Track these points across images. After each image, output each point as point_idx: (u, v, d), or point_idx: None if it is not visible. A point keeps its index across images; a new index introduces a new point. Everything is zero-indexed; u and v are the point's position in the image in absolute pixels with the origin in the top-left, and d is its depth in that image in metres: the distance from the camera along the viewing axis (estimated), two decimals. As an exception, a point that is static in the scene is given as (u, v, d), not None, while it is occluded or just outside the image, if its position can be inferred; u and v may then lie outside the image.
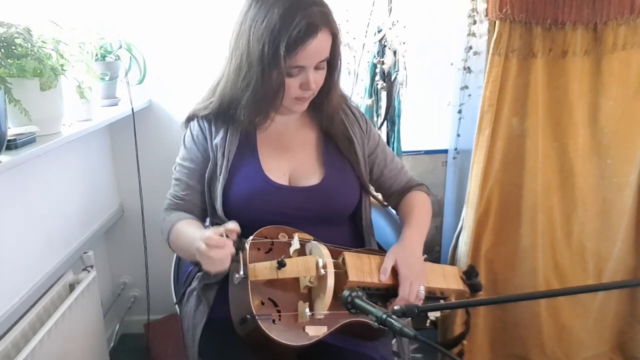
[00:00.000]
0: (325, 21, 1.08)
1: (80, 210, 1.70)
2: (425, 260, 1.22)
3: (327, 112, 1.24)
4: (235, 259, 1.09)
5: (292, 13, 1.04)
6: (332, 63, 1.16)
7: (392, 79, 1.77)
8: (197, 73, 1.82)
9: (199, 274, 1.28)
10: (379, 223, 1.51)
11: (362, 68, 1.79)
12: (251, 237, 1.09)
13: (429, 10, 1.80)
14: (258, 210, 1.18)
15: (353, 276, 1.08)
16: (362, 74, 1.79)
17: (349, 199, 1.25)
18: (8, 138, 1.18)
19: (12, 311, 1.29)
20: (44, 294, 1.42)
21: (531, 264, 1.67)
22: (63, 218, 1.59)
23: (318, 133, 1.28)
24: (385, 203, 1.42)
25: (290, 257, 1.08)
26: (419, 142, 1.96)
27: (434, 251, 1.98)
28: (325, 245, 1.11)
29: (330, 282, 1.04)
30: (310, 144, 1.27)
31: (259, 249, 1.08)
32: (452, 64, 1.76)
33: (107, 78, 1.73)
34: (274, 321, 1.01)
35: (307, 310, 1.03)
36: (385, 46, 1.73)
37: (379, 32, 1.74)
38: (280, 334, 0.99)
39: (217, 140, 1.21)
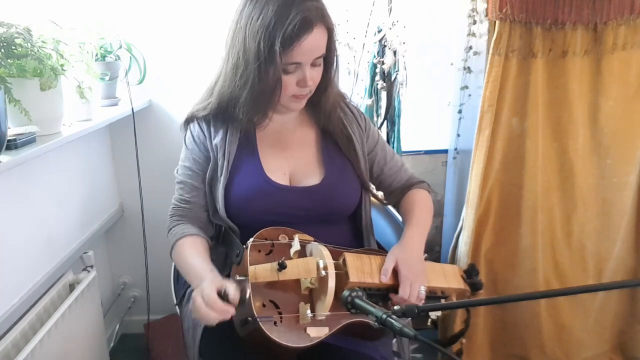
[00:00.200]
0: (320, 16, 1.08)
1: (80, 210, 1.70)
2: (426, 259, 1.22)
3: (325, 109, 1.24)
4: (235, 261, 1.09)
5: (287, 9, 1.04)
6: (328, 60, 1.16)
7: (392, 79, 1.77)
8: (197, 73, 1.82)
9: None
10: (379, 223, 1.51)
11: (362, 68, 1.79)
12: (251, 239, 1.09)
13: (429, 10, 1.80)
14: (258, 210, 1.18)
15: (354, 277, 1.08)
16: (362, 74, 1.79)
17: (349, 198, 1.25)
18: (8, 138, 1.18)
19: (12, 311, 1.29)
20: (44, 294, 1.42)
21: (531, 264, 1.67)
22: (63, 218, 1.59)
23: (317, 131, 1.28)
24: (386, 201, 1.42)
25: (290, 258, 1.08)
26: (419, 142, 1.96)
27: (434, 251, 1.98)
28: (325, 246, 1.11)
29: (331, 283, 1.04)
30: (310, 143, 1.27)
31: (259, 251, 1.08)
32: (452, 64, 1.76)
33: (107, 78, 1.73)
34: (275, 323, 1.01)
35: (309, 311, 1.03)
36: (385, 46, 1.73)
37: (379, 32, 1.74)
38: (282, 335, 0.99)
39: (217, 140, 1.21)
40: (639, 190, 1.65)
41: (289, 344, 0.99)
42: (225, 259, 1.22)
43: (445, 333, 1.77)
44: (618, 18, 1.48)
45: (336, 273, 1.06)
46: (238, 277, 1.04)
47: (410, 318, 0.83)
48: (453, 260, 1.72)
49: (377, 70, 1.76)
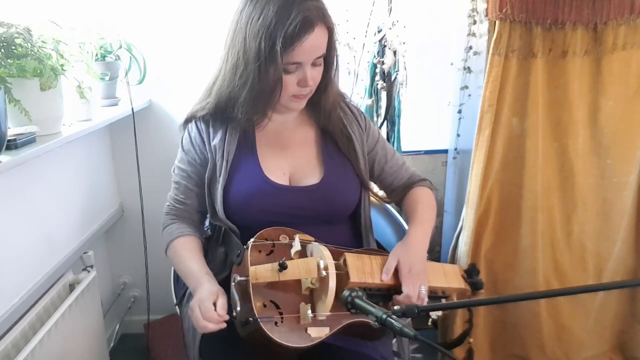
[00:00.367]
0: (320, 16, 1.08)
1: (80, 210, 1.70)
2: (427, 259, 1.22)
3: (324, 109, 1.24)
4: (236, 261, 1.10)
5: (288, 9, 1.04)
6: (328, 59, 1.16)
7: (392, 79, 1.77)
8: (197, 73, 1.82)
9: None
10: (379, 222, 1.51)
11: (362, 68, 1.79)
12: (252, 240, 1.09)
13: (429, 10, 1.80)
14: (258, 211, 1.18)
15: (354, 277, 1.08)
16: (362, 74, 1.79)
17: (349, 197, 1.25)
18: (8, 138, 1.18)
19: (12, 311, 1.29)
20: (44, 294, 1.42)
21: (531, 264, 1.67)
22: (63, 218, 1.59)
23: (317, 131, 1.28)
24: (388, 200, 1.42)
25: (291, 259, 1.08)
26: (419, 142, 1.96)
27: (434, 251, 1.98)
28: (326, 246, 1.11)
29: (332, 283, 1.04)
30: (309, 142, 1.27)
31: (260, 252, 1.08)
32: (452, 64, 1.76)
33: (107, 78, 1.73)
34: (276, 323, 1.01)
35: (309, 311, 1.03)
36: (385, 46, 1.73)
37: (379, 32, 1.74)
38: (283, 335, 0.99)
39: (216, 141, 1.21)
40: (639, 190, 1.65)
41: (289, 344, 0.99)
42: (225, 259, 1.22)
43: (445, 334, 1.77)
44: (618, 18, 1.48)
45: (337, 273, 1.06)
46: (239, 278, 1.04)
47: (410, 318, 0.83)
48: (453, 260, 1.72)
49: (377, 70, 1.76)
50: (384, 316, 0.78)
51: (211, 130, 1.22)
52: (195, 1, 1.81)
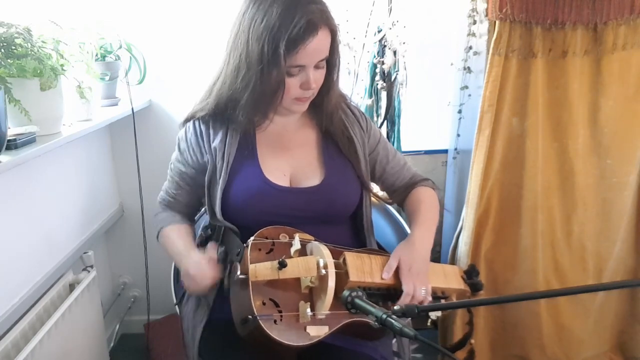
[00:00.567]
0: (324, 19, 1.07)
1: (80, 210, 1.70)
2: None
3: (327, 111, 1.24)
4: (235, 259, 1.09)
5: (292, 12, 1.04)
6: (331, 61, 1.15)
7: (392, 79, 1.77)
8: (197, 73, 1.82)
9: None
10: (379, 223, 1.51)
11: (362, 68, 1.78)
12: (252, 238, 1.09)
13: (429, 10, 1.80)
14: (258, 212, 1.17)
15: (354, 276, 1.08)
16: (362, 74, 1.79)
17: (349, 199, 1.25)
18: (8, 138, 1.18)
19: (12, 311, 1.29)
20: (44, 294, 1.42)
21: (531, 264, 1.67)
22: (63, 218, 1.59)
23: (318, 133, 1.28)
24: (390, 200, 1.42)
25: (291, 257, 1.08)
26: (419, 142, 1.96)
27: (434, 251, 1.96)
28: (326, 245, 1.11)
29: (331, 282, 1.04)
30: (310, 144, 1.27)
31: (259, 250, 1.08)
32: (452, 64, 1.76)
33: (107, 78, 1.73)
34: (275, 321, 1.01)
35: (309, 310, 1.03)
36: (385, 46, 1.73)
37: (379, 32, 1.74)
38: (282, 334, 0.99)
39: (216, 142, 1.20)
40: (639, 190, 1.65)
41: (288, 343, 0.99)
42: (225, 259, 1.22)
43: (445, 334, 1.77)
44: (618, 18, 1.48)
45: (336, 272, 1.06)
46: (238, 276, 1.04)
47: (410, 318, 0.83)
48: (453, 260, 1.72)
49: (377, 70, 1.76)
50: (384, 316, 0.78)
51: (211, 131, 1.22)
52: (196, 1, 1.81)
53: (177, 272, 1.46)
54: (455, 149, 1.84)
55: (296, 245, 1.09)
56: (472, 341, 1.53)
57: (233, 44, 1.12)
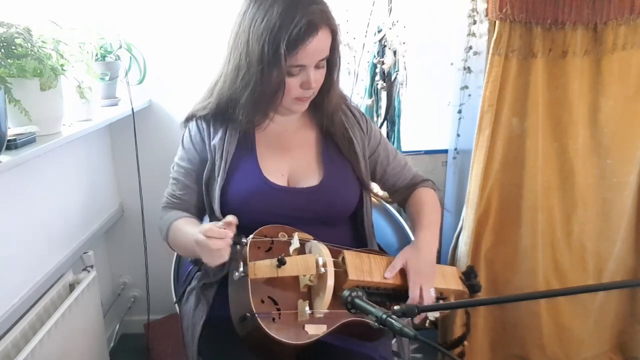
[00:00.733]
0: (325, 19, 1.08)
1: (80, 210, 1.70)
2: None
3: (327, 111, 1.24)
4: (233, 257, 1.09)
5: (292, 12, 1.04)
6: (331, 61, 1.16)
7: (392, 79, 1.77)
8: (197, 73, 1.82)
9: (198, 273, 1.28)
10: (379, 223, 1.51)
11: (362, 68, 1.78)
12: (251, 236, 1.09)
13: (429, 10, 1.80)
14: (256, 212, 1.17)
15: (353, 275, 1.08)
16: (362, 74, 1.79)
17: (348, 199, 1.25)
18: (8, 138, 1.18)
19: (12, 311, 1.29)
20: (44, 294, 1.42)
21: (531, 264, 1.67)
22: (63, 218, 1.59)
23: (318, 133, 1.28)
24: (391, 200, 1.42)
25: (290, 256, 1.08)
26: (419, 142, 1.96)
27: (434, 251, 1.98)
28: (325, 244, 1.11)
29: (330, 280, 1.04)
30: (310, 144, 1.27)
31: (259, 248, 1.08)
32: (452, 64, 1.76)
33: (107, 78, 1.73)
34: (273, 319, 1.01)
35: (307, 308, 1.03)
36: (385, 46, 1.73)
37: (379, 32, 1.74)
38: (280, 332, 0.99)
39: (216, 141, 1.21)
40: (639, 190, 1.65)
41: (287, 341, 0.99)
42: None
43: (445, 334, 1.77)
44: (618, 18, 1.48)
45: (335, 271, 1.06)
46: (237, 273, 1.04)
47: (410, 318, 0.83)
48: (453, 260, 1.72)
49: (377, 70, 1.76)
50: (384, 316, 0.78)
51: (212, 129, 1.22)
52: (196, 1, 1.81)
53: (177, 272, 1.46)
54: (455, 149, 1.84)
55: (295, 243, 1.09)
56: (466, 343, 1.53)
57: (233, 44, 1.13)
